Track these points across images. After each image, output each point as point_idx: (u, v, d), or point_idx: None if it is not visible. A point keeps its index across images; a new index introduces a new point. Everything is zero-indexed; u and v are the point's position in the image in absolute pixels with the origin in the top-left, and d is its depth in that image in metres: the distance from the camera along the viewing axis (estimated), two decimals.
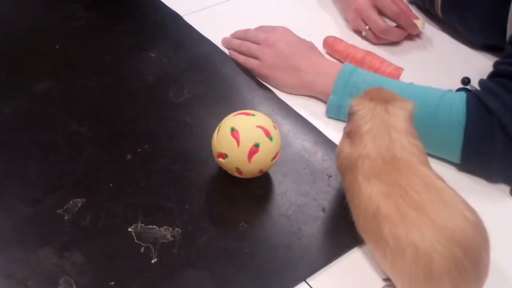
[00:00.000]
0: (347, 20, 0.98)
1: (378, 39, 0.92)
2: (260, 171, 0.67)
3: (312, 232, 0.65)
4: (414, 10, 0.96)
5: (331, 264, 0.63)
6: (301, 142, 0.76)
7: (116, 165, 0.71)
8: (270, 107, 0.81)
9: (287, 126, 0.78)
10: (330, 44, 0.90)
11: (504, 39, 0.78)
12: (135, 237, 0.63)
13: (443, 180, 0.57)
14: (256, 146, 0.64)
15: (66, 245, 0.62)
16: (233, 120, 0.66)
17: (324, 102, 0.80)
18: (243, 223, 0.65)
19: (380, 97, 0.62)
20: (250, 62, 0.86)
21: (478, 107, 0.68)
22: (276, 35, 0.85)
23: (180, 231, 0.64)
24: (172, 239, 0.63)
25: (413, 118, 0.61)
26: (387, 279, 0.60)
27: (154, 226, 0.64)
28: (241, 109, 0.68)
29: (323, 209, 0.67)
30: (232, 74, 0.86)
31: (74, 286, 0.58)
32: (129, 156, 0.72)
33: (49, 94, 0.81)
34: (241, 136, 0.64)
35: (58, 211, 0.65)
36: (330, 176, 0.71)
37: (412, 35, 0.94)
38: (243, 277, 0.60)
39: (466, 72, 0.86)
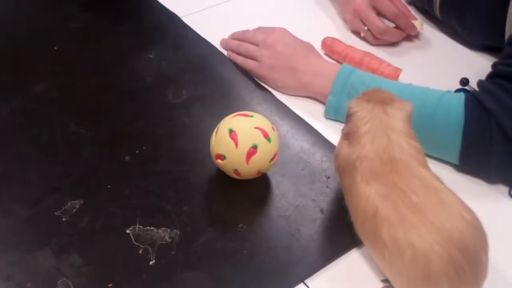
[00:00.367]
0: (345, 21, 0.98)
1: (377, 39, 0.92)
2: (259, 172, 0.67)
3: (311, 234, 0.65)
4: (412, 10, 0.96)
5: (330, 265, 0.62)
6: (300, 143, 0.75)
7: (114, 166, 0.71)
8: (268, 108, 0.81)
9: (286, 127, 0.78)
10: (329, 45, 0.90)
11: (503, 40, 0.78)
12: (133, 239, 0.63)
13: (441, 181, 0.57)
14: (254, 147, 0.64)
15: (64, 246, 0.62)
16: (231, 121, 0.66)
17: (323, 103, 0.80)
18: (241, 225, 0.65)
19: (379, 98, 0.62)
20: (249, 63, 0.86)
21: (477, 108, 0.68)
22: (274, 36, 0.85)
23: (178, 232, 0.64)
24: (171, 240, 0.63)
25: (412, 119, 0.61)
26: (385, 280, 0.60)
27: (152, 228, 0.64)
28: (239, 110, 0.68)
29: (322, 210, 0.67)
30: (230, 75, 0.86)
31: None
32: (127, 157, 0.72)
33: (48, 95, 0.81)
34: (239, 138, 0.64)
35: (56, 213, 0.65)
36: (329, 177, 0.71)
37: (410, 35, 0.94)
38: (242, 278, 0.60)
39: (465, 73, 0.86)
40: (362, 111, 0.61)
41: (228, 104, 0.81)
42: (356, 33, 0.95)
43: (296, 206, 0.68)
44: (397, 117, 0.60)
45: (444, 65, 0.90)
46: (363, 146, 0.60)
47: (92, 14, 0.97)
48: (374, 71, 0.84)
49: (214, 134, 0.67)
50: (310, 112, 0.81)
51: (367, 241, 0.60)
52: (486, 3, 0.82)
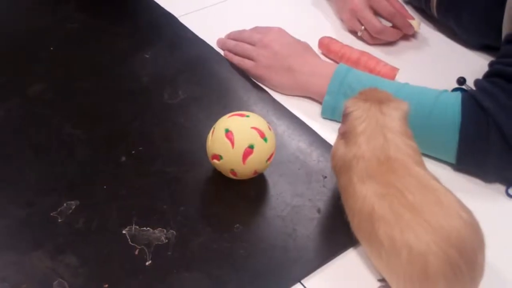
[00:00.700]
0: (342, 20, 0.97)
1: (374, 39, 0.92)
2: (255, 172, 0.67)
3: (307, 233, 0.65)
4: (409, 10, 0.96)
5: (326, 265, 0.62)
6: (296, 143, 0.75)
7: (110, 167, 0.71)
8: (265, 108, 0.80)
9: (282, 127, 0.77)
10: (326, 44, 0.90)
11: (500, 39, 0.78)
12: (129, 239, 0.63)
13: (438, 181, 0.57)
14: (251, 147, 0.64)
15: (60, 247, 0.62)
16: (227, 121, 0.66)
17: (319, 102, 0.80)
18: (238, 225, 0.65)
19: (375, 97, 0.62)
20: (245, 63, 0.86)
21: (474, 107, 0.68)
22: (271, 36, 0.85)
23: (174, 233, 0.64)
24: (167, 241, 0.63)
25: (408, 119, 0.61)
26: (382, 280, 0.60)
27: (148, 228, 0.64)
28: (236, 110, 0.68)
29: (318, 210, 0.67)
30: (227, 75, 0.86)
31: None
32: (123, 158, 0.72)
33: (44, 96, 0.81)
34: (236, 138, 0.64)
35: (51, 214, 0.65)
36: (325, 177, 0.71)
37: (407, 35, 0.94)
38: (238, 278, 0.60)
39: (462, 72, 0.86)
40: (359, 111, 0.61)
41: (224, 104, 0.81)
42: (353, 32, 0.95)
43: (293, 206, 0.67)
44: (393, 116, 0.60)
45: (441, 65, 0.90)
46: (360, 145, 0.59)
47: (88, 15, 0.97)
48: (371, 71, 0.84)
49: (210, 134, 0.67)
50: (307, 111, 0.80)
51: (363, 240, 0.60)
52: (483, 3, 0.82)
